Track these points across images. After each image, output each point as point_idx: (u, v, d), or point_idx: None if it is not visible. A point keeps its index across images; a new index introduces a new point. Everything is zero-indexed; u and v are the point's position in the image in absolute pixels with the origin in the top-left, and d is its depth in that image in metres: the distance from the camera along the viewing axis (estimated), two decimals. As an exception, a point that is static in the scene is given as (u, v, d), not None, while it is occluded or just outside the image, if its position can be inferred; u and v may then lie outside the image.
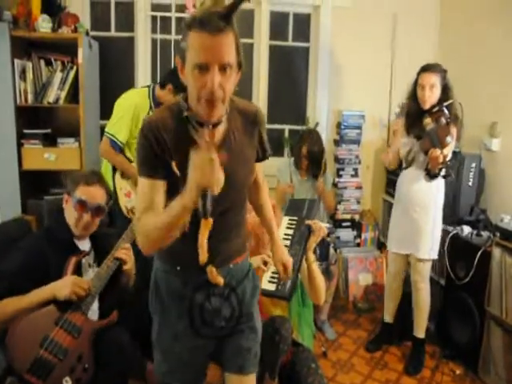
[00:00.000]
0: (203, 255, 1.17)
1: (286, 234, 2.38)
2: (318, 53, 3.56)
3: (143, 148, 1.22)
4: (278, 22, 3.59)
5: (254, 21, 3.55)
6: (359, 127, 3.55)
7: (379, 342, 2.91)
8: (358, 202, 3.61)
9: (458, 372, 2.65)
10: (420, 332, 2.72)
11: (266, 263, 2.16)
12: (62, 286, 1.75)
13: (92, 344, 1.78)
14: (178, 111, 1.24)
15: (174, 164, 1.20)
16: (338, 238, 3.61)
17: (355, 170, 3.58)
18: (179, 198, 1.12)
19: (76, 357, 1.72)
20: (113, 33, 3.40)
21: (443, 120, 2.41)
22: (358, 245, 3.66)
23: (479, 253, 2.56)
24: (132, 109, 2.53)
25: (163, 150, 1.21)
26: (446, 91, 2.47)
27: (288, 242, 2.29)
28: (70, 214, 1.90)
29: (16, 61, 2.84)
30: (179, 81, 2.56)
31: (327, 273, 2.99)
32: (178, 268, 1.36)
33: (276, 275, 2.23)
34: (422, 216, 2.56)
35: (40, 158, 2.88)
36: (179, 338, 1.39)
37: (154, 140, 1.20)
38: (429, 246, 2.59)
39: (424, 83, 2.45)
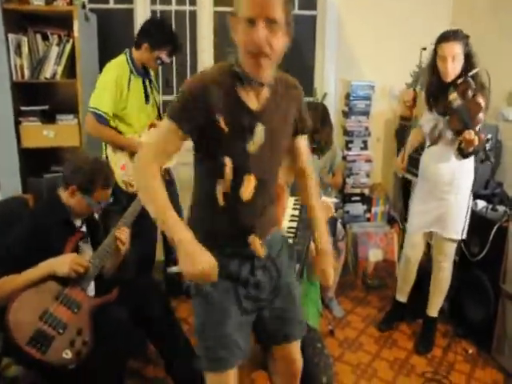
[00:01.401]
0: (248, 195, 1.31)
1: (292, 215, 2.30)
2: (326, 21, 3.37)
3: (185, 100, 1.23)
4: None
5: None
6: (369, 98, 3.39)
7: (391, 321, 2.82)
8: (368, 176, 3.49)
9: (470, 351, 2.56)
10: (433, 311, 2.64)
11: None
12: (62, 263, 1.76)
13: (91, 320, 1.79)
14: (228, 68, 1.26)
15: (221, 119, 1.23)
16: (348, 212, 3.50)
17: (364, 142, 3.44)
18: (174, 225, 1.18)
19: (75, 331, 1.72)
20: (111, 5, 3.27)
21: (470, 93, 2.20)
22: (368, 219, 3.55)
23: (494, 228, 2.44)
24: (114, 79, 2.46)
25: (207, 108, 1.22)
26: (469, 59, 2.25)
27: (295, 224, 2.21)
28: (80, 207, 1.93)
29: (10, 35, 2.75)
30: (153, 37, 2.45)
31: (334, 249, 2.90)
32: (221, 244, 1.35)
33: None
34: (452, 196, 2.41)
35: (39, 135, 2.81)
36: (228, 315, 1.37)
37: (200, 98, 1.21)
38: (459, 226, 2.43)
39: (445, 54, 2.22)
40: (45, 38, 2.86)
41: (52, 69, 2.83)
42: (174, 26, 3.26)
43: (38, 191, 2.75)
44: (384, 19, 3.37)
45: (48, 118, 2.89)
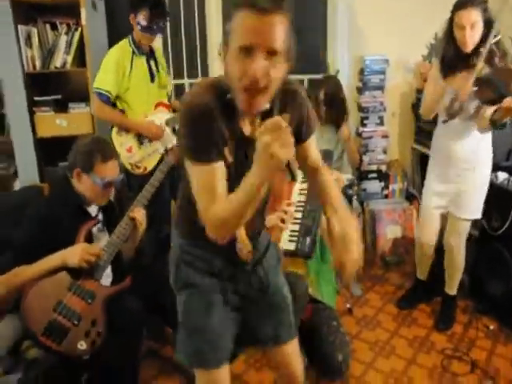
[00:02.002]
0: (246, 246, 1.33)
1: (301, 189, 2.27)
2: (337, -4, 3.28)
3: (194, 133, 1.11)
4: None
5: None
6: (383, 72, 3.30)
7: (412, 299, 2.77)
8: (385, 152, 3.41)
9: (491, 327, 2.51)
10: (452, 289, 2.58)
11: (283, 221, 2.06)
12: (72, 254, 1.75)
13: (105, 310, 1.80)
14: (221, 93, 1.13)
15: (225, 150, 1.14)
16: (365, 190, 3.45)
17: (380, 118, 3.36)
18: (251, 178, 1.02)
19: (90, 321, 1.74)
20: (119, -10, 3.26)
21: (497, 60, 2.06)
22: (386, 196, 3.48)
23: (516, 201, 2.37)
24: (115, 60, 2.50)
25: (216, 138, 1.12)
26: (489, 26, 2.07)
27: (304, 197, 2.19)
28: (89, 190, 1.89)
29: (20, 27, 2.78)
30: (132, 3, 2.40)
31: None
32: (205, 244, 1.26)
33: (295, 233, 2.14)
34: (471, 173, 2.31)
35: (52, 124, 2.85)
36: (213, 308, 1.35)
37: (206, 124, 1.10)
38: (475, 205, 2.36)
39: (463, 22, 2.05)
40: (54, 27, 2.88)
41: (62, 58, 2.85)
42: (182, 10, 3.26)
43: (54, 180, 2.80)
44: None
45: (61, 107, 2.93)
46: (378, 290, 2.95)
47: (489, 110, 2.09)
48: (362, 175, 3.42)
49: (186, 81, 3.39)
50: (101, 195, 1.93)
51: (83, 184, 1.88)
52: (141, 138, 2.60)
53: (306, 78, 3.48)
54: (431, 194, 2.50)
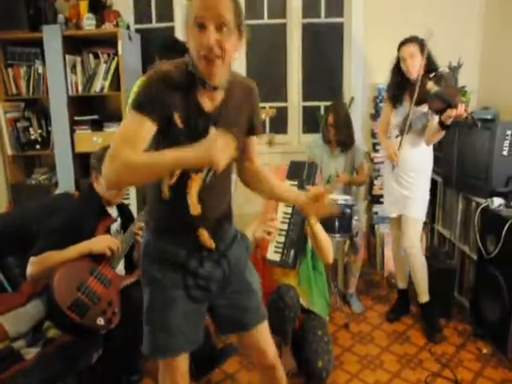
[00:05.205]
0: (194, 208, 1.32)
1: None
2: (352, 28, 3.49)
3: (147, 90, 1.24)
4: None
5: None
6: (395, 100, 3.43)
7: (397, 310, 2.93)
8: (396, 178, 3.51)
9: (484, 351, 2.52)
10: (422, 297, 2.76)
11: (269, 233, 2.23)
12: (99, 242, 2.07)
13: (119, 295, 2.07)
14: (185, 68, 1.28)
15: (176, 116, 1.26)
16: (376, 213, 3.55)
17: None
18: (178, 152, 1.18)
19: (107, 302, 2.02)
20: (154, 24, 3.67)
21: (443, 82, 2.49)
22: (398, 221, 3.56)
23: (507, 225, 2.41)
24: None
25: (167, 101, 1.24)
26: (431, 59, 2.57)
27: (290, 209, 2.33)
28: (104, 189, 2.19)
29: (67, 57, 3.23)
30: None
31: (352, 246, 2.99)
32: (170, 234, 1.39)
33: (280, 245, 2.32)
34: (418, 179, 2.67)
35: (89, 141, 3.25)
36: (173, 304, 1.39)
37: (161, 88, 1.23)
38: (420, 206, 2.70)
39: (404, 55, 2.55)
40: (96, 56, 3.31)
41: (100, 83, 3.27)
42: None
43: (83, 187, 3.16)
44: (409, 25, 3.39)
45: (97, 126, 3.33)
46: (378, 309, 3.03)
47: (435, 119, 2.50)
48: (373, 199, 3.54)
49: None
50: (114, 193, 2.21)
51: (100, 184, 2.20)
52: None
53: (322, 104, 3.69)
54: (389, 201, 2.85)
